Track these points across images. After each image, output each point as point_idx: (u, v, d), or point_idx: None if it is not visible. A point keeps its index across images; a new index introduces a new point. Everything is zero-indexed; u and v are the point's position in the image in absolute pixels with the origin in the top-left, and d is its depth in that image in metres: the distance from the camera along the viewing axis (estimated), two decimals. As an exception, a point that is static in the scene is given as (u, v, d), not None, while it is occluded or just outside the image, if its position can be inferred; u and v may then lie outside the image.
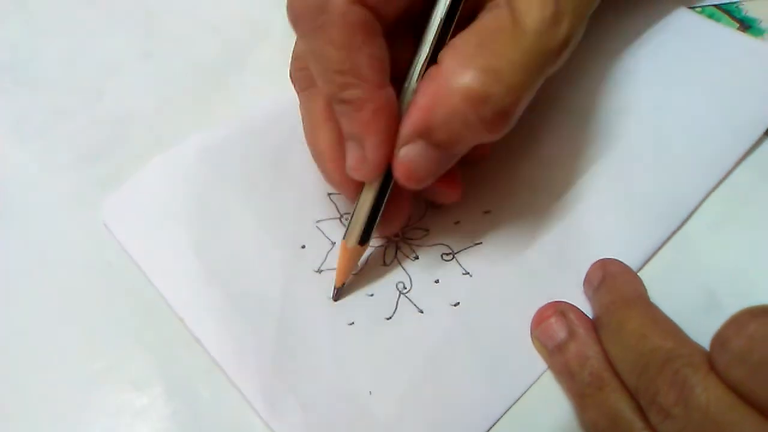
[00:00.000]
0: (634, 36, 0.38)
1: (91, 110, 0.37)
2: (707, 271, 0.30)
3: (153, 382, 0.28)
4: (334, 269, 0.31)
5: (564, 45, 0.26)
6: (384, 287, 0.30)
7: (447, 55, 0.26)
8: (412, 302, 0.30)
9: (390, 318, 0.29)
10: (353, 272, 0.30)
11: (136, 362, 0.29)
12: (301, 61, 0.29)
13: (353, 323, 0.29)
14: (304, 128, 0.31)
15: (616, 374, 0.25)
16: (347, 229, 0.29)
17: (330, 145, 0.29)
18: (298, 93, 0.31)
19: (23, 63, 0.39)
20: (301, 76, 0.30)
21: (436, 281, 0.30)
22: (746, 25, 0.39)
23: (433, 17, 0.26)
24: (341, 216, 0.32)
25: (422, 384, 0.28)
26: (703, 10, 0.39)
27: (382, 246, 0.32)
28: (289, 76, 0.31)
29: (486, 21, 0.26)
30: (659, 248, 0.31)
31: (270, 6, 0.41)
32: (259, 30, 0.40)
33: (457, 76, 0.25)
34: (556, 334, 0.27)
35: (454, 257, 0.31)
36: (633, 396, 0.24)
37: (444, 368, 0.28)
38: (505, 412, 0.27)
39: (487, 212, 0.32)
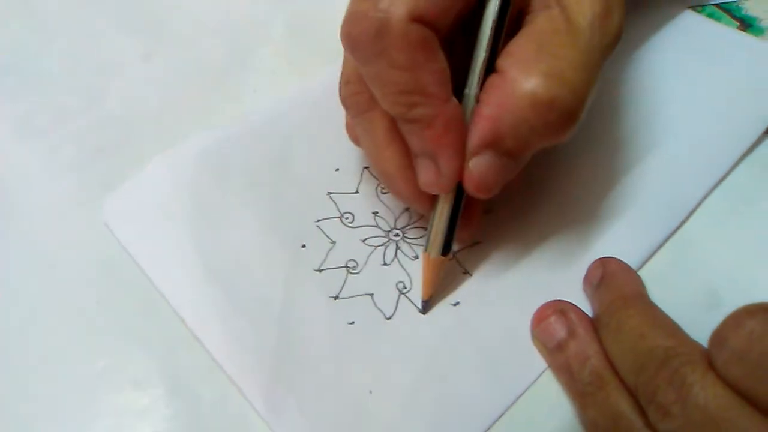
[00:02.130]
0: (633, 35, 0.38)
1: (94, 110, 0.37)
2: (707, 269, 0.30)
3: (154, 383, 0.28)
4: (334, 268, 0.31)
5: (618, 36, 0.27)
6: (384, 287, 0.30)
7: (507, 63, 0.26)
8: (412, 302, 0.30)
9: (390, 318, 0.30)
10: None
11: (137, 362, 0.29)
12: (355, 85, 0.28)
13: (353, 323, 0.29)
14: (366, 151, 0.30)
15: (616, 373, 0.25)
16: (427, 241, 0.29)
17: (398, 165, 0.29)
18: (353, 117, 0.30)
19: (26, 63, 0.39)
20: (357, 100, 0.29)
21: (436, 281, 0.30)
22: (746, 24, 0.39)
23: (484, 20, 0.26)
24: (342, 215, 0.32)
25: (422, 383, 0.28)
26: (703, 10, 0.39)
27: (382, 245, 0.32)
28: (341, 102, 0.30)
29: (540, 23, 0.26)
30: (659, 247, 0.31)
31: (271, 7, 0.41)
32: (261, 31, 0.40)
33: (521, 84, 0.25)
34: (556, 333, 0.28)
35: (454, 256, 0.31)
36: (633, 395, 0.24)
37: (444, 368, 0.28)
38: (504, 411, 0.27)
39: (487, 211, 0.32)
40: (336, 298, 0.30)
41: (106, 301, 0.31)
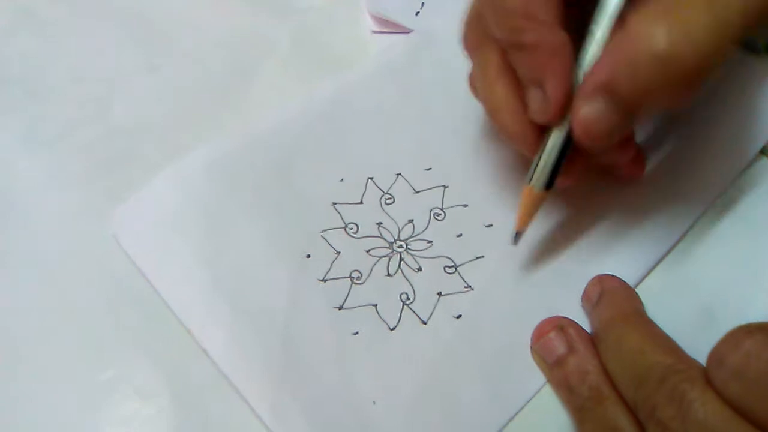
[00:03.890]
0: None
1: (100, 122, 0.37)
2: (703, 286, 0.31)
3: (160, 393, 0.29)
4: (338, 278, 0.31)
5: (749, 22, 0.25)
6: (388, 297, 0.31)
7: (635, 17, 0.26)
8: (415, 313, 0.30)
9: (394, 328, 0.30)
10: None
11: (143, 373, 0.29)
12: (473, 23, 0.31)
13: (357, 333, 0.30)
14: (476, 86, 0.32)
15: (615, 388, 0.26)
16: (533, 174, 0.29)
17: (506, 97, 0.29)
18: (469, 54, 0.32)
19: (33, 75, 0.39)
20: (473, 36, 0.31)
21: (439, 293, 0.31)
22: (745, 42, 0.39)
23: None
24: (345, 225, 0.33)
25: (425, 394, 0.28)
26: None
27: (386, 256, 0.32)
28: (461, 40, 0.32)
29: None
30: (656, 264, 0.31)
31: (276, 20, 0.41)
32: (265, 44, 0.40)
33: (646, 37, 0.25)
34: (556, 348, 0.28)
35: (456, 270, 0.31)
36: (631, 410, 0.25)
37: (445, 380, 0.29)
38: (505, 425, 0.28)
39: (488, 226, 0.33)
40: (340, 308, 0.30)
41: (113, 312, 0.31)
